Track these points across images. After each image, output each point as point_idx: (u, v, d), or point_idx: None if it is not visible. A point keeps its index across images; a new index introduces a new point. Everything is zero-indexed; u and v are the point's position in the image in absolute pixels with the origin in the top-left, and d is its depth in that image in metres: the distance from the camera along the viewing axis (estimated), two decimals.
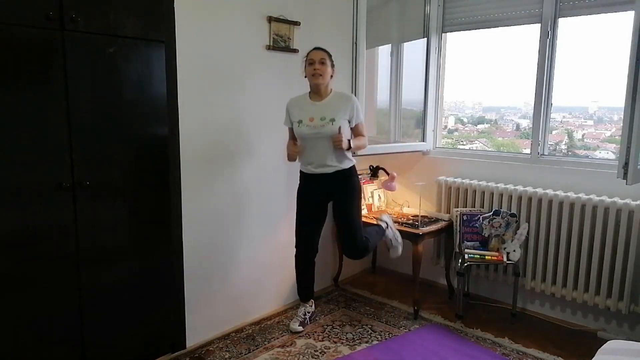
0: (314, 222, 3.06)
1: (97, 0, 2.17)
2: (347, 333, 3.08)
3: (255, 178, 3.12)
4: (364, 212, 3.68)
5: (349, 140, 2.84)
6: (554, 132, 3.55)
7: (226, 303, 3.04)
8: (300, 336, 3.02)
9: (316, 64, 2.82)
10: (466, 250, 3.29)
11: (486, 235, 3.30)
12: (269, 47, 3.04)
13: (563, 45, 3.23)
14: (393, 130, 4.02)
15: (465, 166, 3.68)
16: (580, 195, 3.05)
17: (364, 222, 3.29)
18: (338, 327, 3.15)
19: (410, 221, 3.46)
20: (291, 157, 2.96)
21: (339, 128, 2.80)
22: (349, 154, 2.92)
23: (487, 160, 3.61)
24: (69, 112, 2.14)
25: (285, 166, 3.29)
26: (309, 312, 3.18)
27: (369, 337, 3.03)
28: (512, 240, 3.22)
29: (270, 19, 3.01)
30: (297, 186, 3.05)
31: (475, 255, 3.22)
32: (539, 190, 3.21)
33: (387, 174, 3.49)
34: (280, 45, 3.10)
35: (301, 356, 2.80)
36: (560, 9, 3.18)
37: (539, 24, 3.25)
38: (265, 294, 3.31)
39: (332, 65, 2.90)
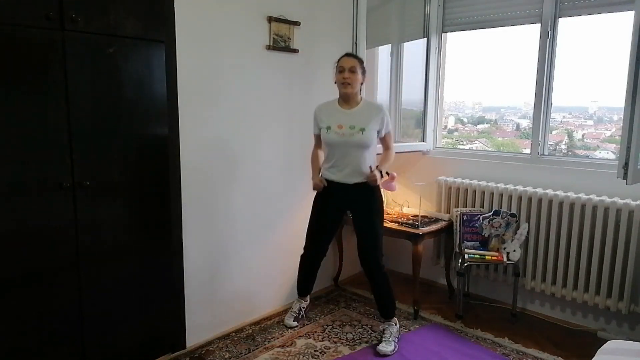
0: (329, 229, 3.02)
1: (97, 0, 2.17)
2: (347, 333, 3.08)
3: (255, 178, 3.12)
4: None
5: (380, 172, 2.78)
6: (554, 132, 3.55)
7: (226, 303, 3.04)
8: (300, 336, 3.02)
9: (346, 72, 2.74)
10: (466, 250, 3.29)
11: (486, 235, 3.30)
12: (269, 47, 3.04)
13: (563, 45, 3.23)
14: (393, 130, 4.02)
15: (465, 166, 3.68)
16: (580, 195, 3.05)
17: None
18: (338, 327, 3.15)
19: (410, 221, 3.46)
20: (316, 188, 2.94)
21: (370, 167, 2.76)
22: (371, 166, 2.82)
23: (487, 160, 3.61)
24: (69, 112, 2.13)
25: (285, 166, 3.30)
26: (303, 308, 3.20)
27: (369, 337, 3.03)
28: (512, 240, 3.22)
29: (271, 19, 3.01)
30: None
31: (475, 255, 3.22)
32: (539, 190, 3.21)
33: (387, 174, 3.47)
34: (280, 45, 3.10)
35: (301, 356, 2.80)
36: (560, 9, 3.18)
37: (539, 24, 3.25)
38: (265, 294, 3.31)
39: (364, 73, 2.82)
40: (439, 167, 3.82)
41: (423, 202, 3.65)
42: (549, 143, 3.39)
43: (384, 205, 3.04)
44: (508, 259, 3.19)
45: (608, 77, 3.17)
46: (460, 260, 3.28)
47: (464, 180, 3.59)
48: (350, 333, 3.08)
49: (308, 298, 3.26)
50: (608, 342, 2.05)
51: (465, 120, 4.34)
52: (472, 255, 3.23)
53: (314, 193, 3.00)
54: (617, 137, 3.27)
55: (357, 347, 2.91)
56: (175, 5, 2.48)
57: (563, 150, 3.63)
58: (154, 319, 2.62)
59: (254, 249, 3.18)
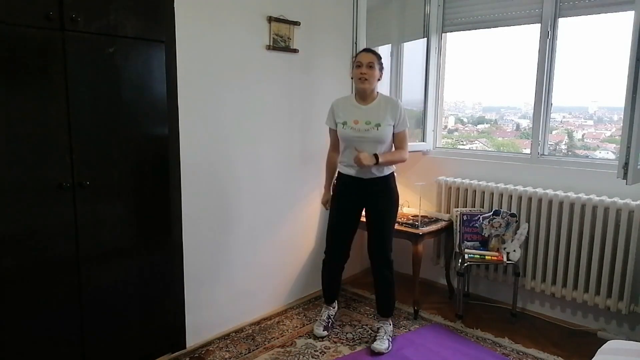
0: (348, 227, 2.97)
1: (97, 0, 2.17)
2: (347, 333, 3.08)
3: (255, 178, 3.12)
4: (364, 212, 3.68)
5: (375, 155, 2.71)
6: (554, 132, 3.55)
7: (226, 303, 3.04)
8: (300, 336, 3.02)
9: (363, 67, 2.73)
10: (466, 250, 3.29)
11: (486, 235, 3.30)
12: (269, 47, 3.04)
13: (563, 45, 3.23)
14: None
15: (465, 166, 3.68)
16: (580, 195, 3.05)
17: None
18: (338, 327, 3.15)
19: (410, 221, 3.46)
20: (323, 203, 3.04)
21: (355, 149, 2.73)
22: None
23: (487, 160, 3.61)
24: (69, 112, 2.13)
25: (285, 166, 3.29)
26: (332, 316, 3.15)
27: (369, 337, 3.03)
28: (512, 240, 3.22)
29: (271, 19, 3.01)
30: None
31: (475, 255, 3.22)
32: (539, 190, 3.21)
33: None
34: (280, 45, 3.10)
35: (301, 356, 2.80)
36: (560, 9, 3.18)
37: (539, 24, 3.25)
38: (265, 294, 3.31)
39: (381, 69, 2.81)
40: (439, 167, 3.82)
41: (423, 202, 3.65)
42: (549, 143, 3.39)
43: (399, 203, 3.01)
44: (508, 259, 3.19)
45: (608, 77, 3.17)
46: (460, 260, 3.28)
47: (464, 180, 3.59)
48: (350, 333, 3.08)
49: (336, 304, 3.23)
50: (608, 342, 2.05)
51: (465, 120, 4.34)
52: (472, 255, 3.23)
53: (314, 192, 3.00)
54: (617, 137, 3.27)
55: (357, 347, 2.91)
56: (175, 6, 2.48)
57: (563, 150, 3.63)
58: (153, 318, 2.62)
59: (254, 249, 3.18)
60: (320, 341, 2.96)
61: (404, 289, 3.69)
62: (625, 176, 2.46)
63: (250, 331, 3.08)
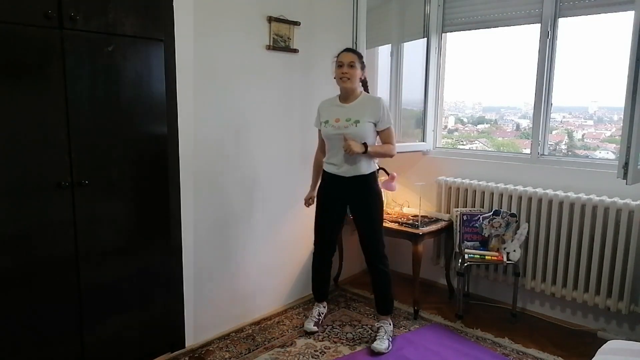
0: (333, 222, 3.04)
1: None
2: (347, 333, 3.07)
3: (255, 178, 3.11)
4: None
5: (364, 144, 2.74)
6: (554, 132, 3.55)
7: (226, 303, 3.03)
8: (300, 336, 3.02)
9: (345, 66, 2.77)
10: (466, 250, 3.29)
11: (486, 235, 3.30)
12: (268, 47, 3.04)
13: (563, 45, 3.22)
14: (395, 128, 4.01)
15: (465, 166, 3.68)
16: (580, 195, 3.04)
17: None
18: (338, 327, 3.14)
19: (410, 221, 3.45)
20: (306, 203, 3.13)
21: (344, 137, 2.75)
22: (371, 160, 2.86)
23: (487, 160, 3.61)
24: (67, 110, 2.13)
25: (285, 166, 3.29)
26: (322, 313, 3.20)
27: (369, 337, 3.02)
28: (512, 240, 3.22)
29: (270, 19, 3.01)
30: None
31: (475, 255, 3.22)
32: (539, 190, 3.20)
33: (387, 174, 3.47)
34: (280, 45, 3.10)
35: (301, 356, 2.79)
36: (560, 9, 3.17)
37: (539, 24, 3.24)
38: (266, 294, 3.31)
39: (363, 67, 2.84)
40: (439, 167, 3.82)
41: (423, 202, 3.65)
42: (549, 143, 3.38)
43: (384, 202, 3.06)
44: (508, 259, 3.18)
45: (608, 77, 3.17)
46: (460, 260, 3.27)
47: (464, 180, 3.59)
48: (350, 333, 3.08)
49: (325, 305, 3.28)
50: (608, 342, 2.05)
51: (465, 120, 4.34)
52: (472, 255, 3.22)
53: (314, 192, 3.01)
54: (617, 137, 3.26)
55: (357, 347, 2.90)
56: (174, 4, 2.47)
57: (563, 150, 3.63)
58: (153, 318, 2.61)
59: (254, 249, 3.18)
60: (320, 341, 2.96)
61: (404, 289, 3.69)
62: (625, 176, 2.46)
63: (250, 331, 3.08)
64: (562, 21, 3.19)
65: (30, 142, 2.05)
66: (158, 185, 2.55)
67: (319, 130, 3.00)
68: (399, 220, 3.51)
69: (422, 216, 3.52)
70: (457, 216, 3.43)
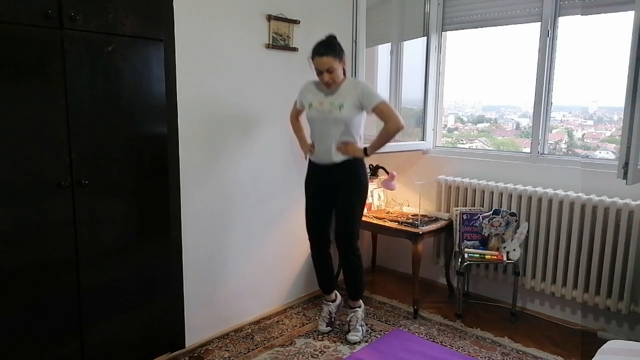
0: (321, 210, 2.99)
1: None
2: (347, 333, 3.07)
3: (255, 177, 3.11)
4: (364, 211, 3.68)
5: (364, 148, 2.78)
6: (554, 131, 3.55)
7: (225, 302, 3.03)
8: (299, 335, 3.02)
9: (324, 75, 2.70)
10: (466, 249, 3.29)
11: (486, 235, 3.30)
12: (268, 46, 3.03)
13: (563, 45, 3.22)
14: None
15: (465, 165, 3.68)
16: (580, 194, 3.04)
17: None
18: (338, 327, 3.15)
19: (410, 220, 3.45)
20: (307, 153, 2.97)
21: (336, 144, 2.76)
22: (359, 144, 2.84)
23: (487, 159, 3.60)
24: (67, 110, 2.13)
25: (284, 166, 3.29)
26: (332, 311, 3.14)
27: (369, 336, 3.02)
28: (512, 240, 3.22)
29: (270, 18, 3.00)
30: (303, 180, 3.04)
31: (475, 255, 3.22)
32: (539, 190, 3.20)
33: (387, 173, 3.48)
34: (279, 43, 3.09)
35: (301, 356, 2.79)
36: (560, 8, 3.17)
37: (539, 23, 3.24)
38: (265, 293, 3.31)
39: (341, 59, 2.72)
40: (439, 166, 3.81)
41: (423, 201, 3.65)
42: (549, 142, 3.38)
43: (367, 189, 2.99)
44: (508, 258, 3.18)
45: (608, 76, 3.16)
46: (460, 260, 3.27)
47: (463, 180, 3.59)
48: None
49: (335, 297, 3.21)
50: (608, 342, 2.05)
51: (465, 119, 4.33)
52: (471, 255, 3.22)
53: None
54: (617, 137, 3.26)
55: (357, 347, 2.90)
56: (174, 4, 2.47)
57: (563, 150, 3.63)
58: (153, 318, 2.61)
59: (253, 248, 3.18)
60: (319, 340, 2.96)
61: (404, 288, 3.69)
62: (625, 176, 2.46)
63: (249, 330, 3.08)
64: (562, 20, 3.19)
65: (30, 142, 2.05)
66: (158, 185, 2.54)
67: (295, 105, 2.99)
68: (399, 219, 3.51)
69: (421, 215, 3.52)
70: (456, 215, 3.43)
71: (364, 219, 3.54)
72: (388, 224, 3.44)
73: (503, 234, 3.26)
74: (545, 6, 3.19)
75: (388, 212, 3.73)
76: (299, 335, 3.02)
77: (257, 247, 3.21)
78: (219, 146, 2.88)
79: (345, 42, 3.35)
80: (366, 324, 3.05)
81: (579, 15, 3.13)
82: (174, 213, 2.63)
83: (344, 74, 2.82)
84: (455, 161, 3.75)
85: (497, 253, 3.21)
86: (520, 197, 3.29)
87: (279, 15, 3.05)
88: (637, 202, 2.85)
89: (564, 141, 3.71)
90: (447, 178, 3.68)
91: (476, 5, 3.57)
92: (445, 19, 3.76)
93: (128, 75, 2.32)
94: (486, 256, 3.20)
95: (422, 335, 3.05)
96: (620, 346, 1.98)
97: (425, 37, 3.81)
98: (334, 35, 2.76)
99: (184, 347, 2.80)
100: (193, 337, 2.85)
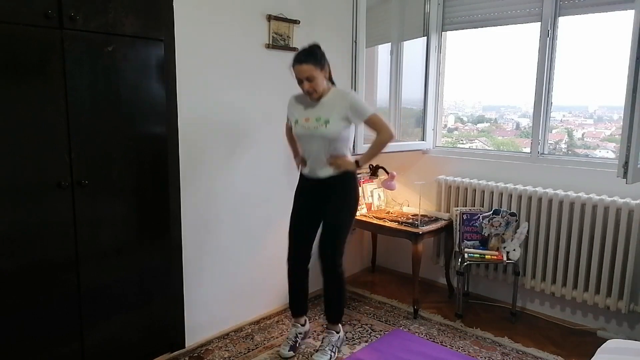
0: (305, 227, 2.82)
1: None
2: (347, 333, 3.07)
3: (254, 177, 3.11)
4: (364, 211, 3.69)
5: (356, 161, 2.64)
6: (554, 131, 3.55)
7: (225, 302, 3.03)
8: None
9: (304, 83, 2.53)
10: (466, 249, 3.29)
11: (486, 235, 3.30)
12: (268, 46, 3.03)
13: (563, 44, 3.22)
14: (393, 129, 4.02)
15: (465, 165, 3.68)
16: (580, 194, 3.04)
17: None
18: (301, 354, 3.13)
19: (410, 220, 3.45)
20: (300, 163, 2.84)
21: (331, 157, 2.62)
22: (349, 158, 2.70)
23: (487, 159, 3.61)
24: (67, 110, 2.13)
25: (284, 166, 3.29)
26: (300, 334, 2.89)
27: (369, 336, 3.02)
28: (512, 240, 3.22)
29: (270, 18, 3.00)
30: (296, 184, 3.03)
31: (475, 255, 3.22)
32: (539, 189, 3.21)
33: (387, 173, 3.48)
34: (279, 43, 3.10)
35: (301, 356, 2.79)
36: (560, 8, 3.17)
37: (539, 23, 3.24)
38: (265, 293, 3.31)
39: (323, 67, 2.55)
40: (439, 166, 3.82)
41: (423, 201, 3.65)
42: (549, 142, 3.38)
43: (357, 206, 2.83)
44: (508, 258, 3.18)
45: (608, 76, 3.16)
46: (460, 260, 3.27)
47: (463, 180, 3.59)
48: (350, 333, 3.08)
49: (304, 322, 2.95)
50: (608, 341, 2.05)
51: (465, 119, 4.33)
52: (471, 255, 3.22)
53: None
54: (617, 136, 3.26)
55: (357, 347, 2.90)
56: (174, 4, 2.47)
57: (563, 149, 3.63)
58: (153, 318, 2.61)
59: (253, 248, 3.18)
60: (319, 340, 2.95)
61: (404, 288, 3.69)
62: (625, 175, 2.46)
63: (249, 330, 3.08)
64: (562, 20, 3.19)
65: (30, 142, 2.05)
66: (158, 185, 2.54)
67: (286, 123, 2.85)
68: (399, 219, 3.51)
69: (421, 215, 3.52)
70: (456, 215, 3.43)
71: (364, 219, 3.56)
72: (388, 224, 3.44)
73: (503, 234, 3.26)
74: (545, 6, 3.19)
75: (388, 212, 3.73)
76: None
77: (257, 247, 3.21)
78: (219, 146, 2.88)
79: (345, 42, 3.36)
80: (339, 352, 2.81)
81: (579, 15, 3.13)
82: (174, 213, 2.63)
83: (332, 82, 2.70)
84: (455, 161, 3.75)
85: (497, 253, 3.21)
86: (520, 197, 3.29)
87: (279, 15, 3.05)
88: (637, 201, 2.85)
89: (564, 141, 3.71)
90: (447, 178, 3.68)
91: (476, 5, 3.58)
92: (445, 19, 3.76)
93: (128, 75, 2.32)
94: (486, 256, 3.20)
95: (422, 335, 3.05)
96: (620, 345, 1.98)
97: (425, 37, 3.82)
98: (317, 44, 2.62)
99: (184, 347, 2.80)
100: (193, 337, 2.85)
